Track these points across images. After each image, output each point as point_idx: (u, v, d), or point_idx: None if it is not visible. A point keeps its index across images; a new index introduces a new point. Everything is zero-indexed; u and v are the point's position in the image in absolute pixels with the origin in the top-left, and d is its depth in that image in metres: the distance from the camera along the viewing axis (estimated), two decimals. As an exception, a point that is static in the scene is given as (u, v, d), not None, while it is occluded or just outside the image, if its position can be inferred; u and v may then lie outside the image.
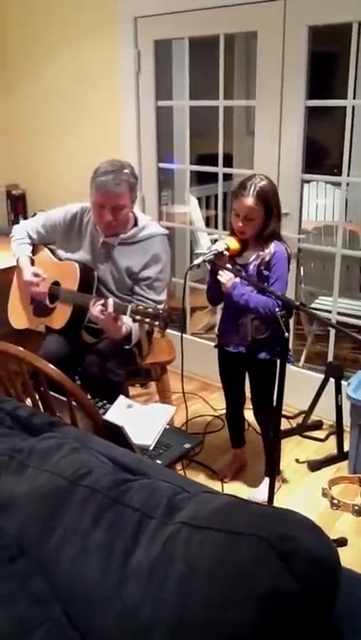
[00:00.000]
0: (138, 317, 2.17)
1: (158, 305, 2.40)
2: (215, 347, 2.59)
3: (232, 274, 2.32)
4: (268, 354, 2.41)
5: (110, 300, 2.28)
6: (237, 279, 2.33)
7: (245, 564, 0.94)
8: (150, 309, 2.15)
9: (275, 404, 2.09)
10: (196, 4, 3.06)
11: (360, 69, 2.84)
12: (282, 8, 2.81)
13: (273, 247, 2.32)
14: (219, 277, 2.35)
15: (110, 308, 2.25)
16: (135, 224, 2.57)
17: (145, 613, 0.99)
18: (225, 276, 2.33)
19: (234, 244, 2.33)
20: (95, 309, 2.29)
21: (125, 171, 2.40)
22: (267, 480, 2.47)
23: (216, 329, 2.62)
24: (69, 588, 1.11)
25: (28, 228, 2.75)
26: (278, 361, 2.33)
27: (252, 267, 2.35)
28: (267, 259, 2.31)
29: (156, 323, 2.13)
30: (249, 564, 0.94)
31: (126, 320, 2.31)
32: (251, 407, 2.64)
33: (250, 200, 2.24)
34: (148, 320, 2.14)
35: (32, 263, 2.71)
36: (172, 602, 0.97)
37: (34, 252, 2.76)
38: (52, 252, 2.72)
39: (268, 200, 2.27)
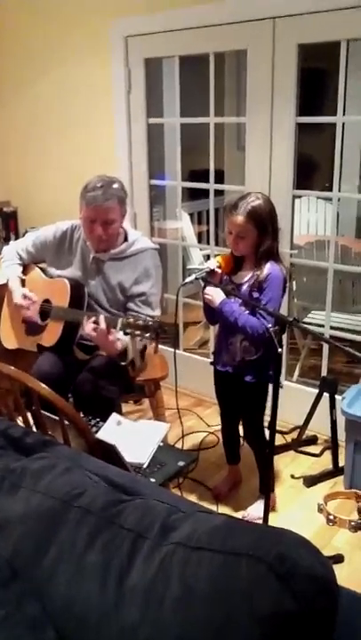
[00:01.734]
0: (129, 330, 2.16)
1: (155, 320, 2.40)
2: (211, 364, 2.58)
3: (220, 291, 2.32)
4: (254, 377, 2.39)
5: (102, 316, 2.27)
6: (225, 297, 2.32)
7: (244, 585, 0.93)
8: (140, 321, 2.14)
9: (268, 421, 2.07)
10: (186, 24, 3.10)
11: (349, 86, 2.86)
12: (271, 27, 2.84)
13: (267, 268, 2.29)
14: (205, 295, 2.34)
15: (102, 324, 2.24)
16: (125, 239, 2.58)
17: (143, 635, 0.98)
18: (212, 293, 2.32)
19: (226, 261, 2.33)
20: (88, 327, 2.28)
21: (115, 185, 2.41)
22: (262, 497, 2.45)
23: (210, 345, 2.62)
24: (65, 610, 1.09)
25: (18, 249, 2.75)
26: (272, 379, 2.34)
27: (245, 287, 2.34)
28: (260, 280, 2.29)
29: (147, 334, 2.12)
30: (247, 585, 0.93)
31: (120, 335, 2.30)
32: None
33: (240, 218, 2.24)
34: (138, 332, 2.13)
35: (23, 283, 2.70)
36: (170, 624, 0.96)
37: (24, 271, 2.75)
38: (43, 270, 2.72)
39: (261, 219, 2.25)
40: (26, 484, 1.33)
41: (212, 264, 2.30)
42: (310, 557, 0.97)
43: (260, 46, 2.91)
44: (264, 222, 2.26)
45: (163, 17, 3.16)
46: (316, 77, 3.75)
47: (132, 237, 2.58)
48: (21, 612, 1.08)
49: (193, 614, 0.94)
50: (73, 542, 1.15)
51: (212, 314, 2.43)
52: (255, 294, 2.29)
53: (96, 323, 2.26)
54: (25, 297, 2.60)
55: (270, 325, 2.02)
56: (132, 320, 2.16)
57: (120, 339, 2.33)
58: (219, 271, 2.31)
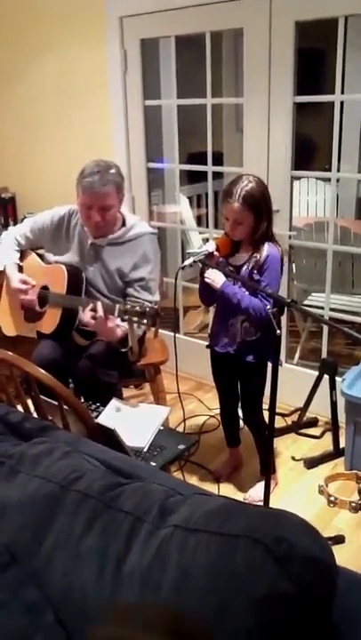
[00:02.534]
0: (126, 317, 2.15)
1: (155, 305, 2.39)
2: (207, 347, 2.57)
3: (220, 273, 2.31)
4: (254, 357, 2.39)
5: (99, 303, 2.26)
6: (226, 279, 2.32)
7: (241, 568, 0.93)
8: (138, 307, 2.13)
9: (268, 403, 2.07)
10: (182, 2, 3.05)
11: (348, 64, 2.82)
12: (268, 4, 2.80)
13: (266, 250, 2.29)
14: (206, 278, 2.33)
15: (100, 311, 2.23)
16: (123, 224, 2.56)
17: (141, 620, 0.98)
18: (212, 276, 2.32)
19: (225, 243, 2.32)
20: (86, 316, 2.27)
21: (112, 171, 2.39)
22: (262, 479, 2.46)
23: (209, 329, 2.61)
24: (63, 594, 1.10)
25: (16, 235, 2.73)
26: (270, 362, 2.34)
27: (244, 269, 2.33)
28: (260, 262, 2.29)
29: (145, 320, 2.11)
30: (245, 568, 0.93)
31: (119, 321, 2.29)
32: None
33: (236, 205, 2.22)
34: (136, 318, 2.13)
35: (20, 269, 2.69)
36: (170, 605, 0.96)
37: (22, 257, 2.74)
38: (41, 256, 2.71)
39: (256, 203, 2.24)
40: (24, 468, 1.33)
41: (210, 247, 2.29)
42: (309, 540, 0.97)
43: (256, 24, 2.87)
44: (259, 205, 2.25)
45: (158, -4, 3.11)
46: (314, 56, 3.71)
47: (129, 222, 2.57)
48: (20, 597, 1.09)
49: (190, 598, 0.94)
50: (71, 526, 1.15)
51: (208, 295, 2.43)
52: (256, 276, 2.29)
53: (94, 310, 2.25)
54: (23, 282, 2.59)
55: (269, 307, 2.01)
56: (129, 306, 2.15)
57: (120, 325, 2.32)
58: (217, 254, 2.30)
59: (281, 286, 2.45)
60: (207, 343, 2.60)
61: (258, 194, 2.24)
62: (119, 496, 1.18)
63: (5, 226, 4.07)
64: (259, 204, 2.24)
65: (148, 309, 2.11)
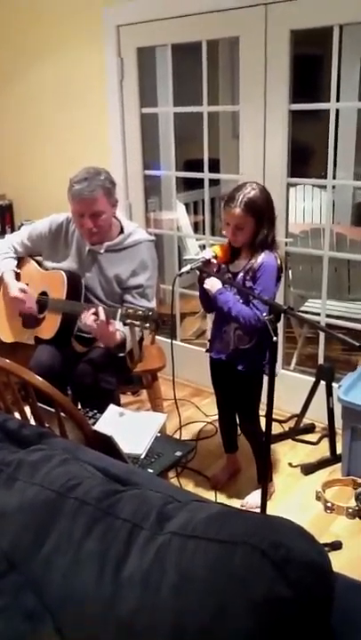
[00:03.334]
0: (128, 321, 2.16)
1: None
2: (206, 351, 2.59)
3: (218, 280, 2.32)
4: (245, 366, 2.39)
5: (101, 307, 2.27)
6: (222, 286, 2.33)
7: (239, 572, 0.94)
8: (140, 312, 2.14)
9: (265, 409, 2.08)
10: (178, 11, 3.07)
11: (343, 72, 2.85)
12: (263, 13, 2.82)
13: (261, 258, 2.29)
14: (205, 285, 2.34)
15: (102, 315, 2.24)
16: (121, 231, 2.57)
17: (141, 623, 0.99)
18: (210, 283, 2.33)
19: (222, 250, 2.33)
20: (88, 319, 2.28)
21: (100, 177, 2.40)
22: (260, 486, 2.46)
23: (207, 334, 2.64)
24: (62, 599, 1.10)
25: (13, 242, 2.74)
26: (266, 368, 2.35)
27: (240, 275, 2.34)
28: (254, 269, 2.29)
29: (147, 325, 2.12)
30: (243, 572, 0.93)
31: (118, 326, 2.30)
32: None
33: (237, 210, 2.23)
34: (138, 323, 2.14)
35: (18, 276, 2.69)
36: (167, 611, 0.97)
37: (19, 265, 2.74)
38: (39, 263, 2.71)
39: (258, 210, 2.24)
40: (22, 476, 1.33)
41: (208, 254, 2.30)
42: (305, 545, 0.98)
43: (252, 33, 2.89)
44: (261, 212, 2.26)
45: (154, 5, 3.14)
46: (309, 63, 3.73)
47: (127, 229, 2.58)
48: (19, 604, 1.09)
49: (189, 602, 0.95)
50: (70, 533, 1.16)
51: (208, 302, 2.44)
52: (248, 283, 2.30)
53: (95, 314, 2.26)
54: (22, 290, 2.59)
55: (265, 314, 2.02)
56: (131, 311, 2.17)
57: (119, 329, 2.33)
58: (214, 261, 2.31)
59: (278, 293, 2.46)
60: (205, 349, 2.61)
61: (260, 201, 2.25)
62: (117, 503, 1.19)
63: (2, 233, 4.08)
64: (260, 210, 2.25)
65: (150, 314, 2.12)
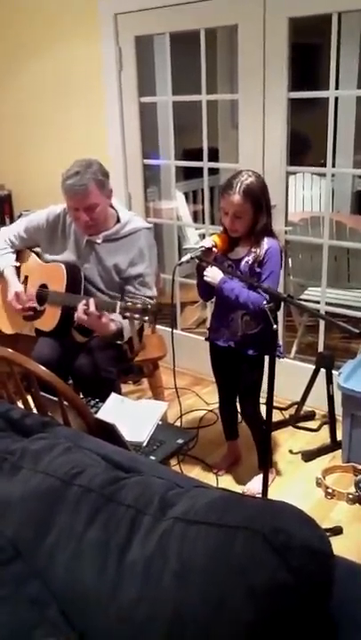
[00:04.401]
0: (127, 314, 2.18)
1: (153, 300, 2.41)
2: (206, 339, 2.59)
3: (219, 270, 2.33)
4: (255, 350, 2.41)
5: (91, 300, 2.28)
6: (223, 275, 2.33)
7: (240, 559, 0.95)
8: (139, 304, 2.16)
9: (266, 396, 2.09)
10: (176, 0, 3.06)
11: (342, 60, 2.84)
12: (262, 1, 2.81)
13: (266, 243, 2.30)
14: (205, 277, 2.35)
15: (92, 307, 2.26)
16: (118, 220, 2.57)
17: (143, 610, 1.00)
18: (211, 273, 2.34)
19: (222, 239, 2.33)
20: (79, 312, 2.29)
21: (91, 169, 2.38)
22: (260, 473, 2.48)
23: (207, 323, 2.64)
24: (66, 587, 1.12)
25: (10, 235, 2.73)
26: (267, 356, 2.36)
27: (243, 263, 2.34)
28: (261, 256, 2.30)
29: (146, 318, 2.14)
30: (244, 558, 0.95)
31: (114, 316, 2.31)
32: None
33: (236, 198, 2.23)
34: (137, 316, 2.15)
35: (18, 270, 2.70)
36: (169, 598, 0.98)
37: (19, 258, 2.75)
38: (38, 255, 2.72)
39: (256, 196, 2.25)
40: (26, 464, 1.35)
41: (208, 242, 2.30)
42: (306, 530, 0.99)
43: (250, 21, 2.88)
44: (259, 200, 2.26)
45: (152, -7, 3.12)
46: (308, 51, 3.72)
47: (124, 218, 2.58)
48: (23, 590, 1.11)
49: (190, 589, 0.96)
50: (73, 520, 1.17)
51: (207, 291, 2.44)
52: (257, 269, 2.31)
53: (86, 305, 2.27)
54: (17, 296, 2.59)
55: (265, 303, 2.03)
56: (130, 304, 2.18)
57: (114, 320, 2.35)
58: (214, 250, 2.32)
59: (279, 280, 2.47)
60: (205, 337, 2.61)
61: (257, 188, 2.26)
62: (120, 490, 1.20)
63: (1, 223, 4.08)
64: (258, 197, 2.26)
65: (149, 306, 2.13)
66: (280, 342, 2.33)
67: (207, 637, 0.93)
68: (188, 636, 0.94)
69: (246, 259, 2.34)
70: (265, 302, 2.04)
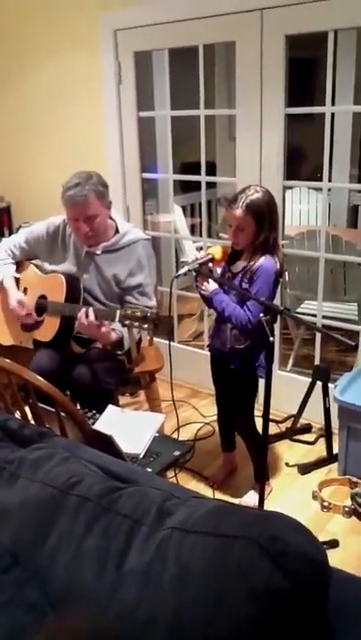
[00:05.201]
0: (127, 322, 2.19)
1: (153, 310, 2.43)
2: (206, 346, 2.62)
3: (213, 282, 2.35)
4: (238, 365, 2.43)
5: (90, 309, 2.30)
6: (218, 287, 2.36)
7: (237, 565, 0.96)
8: (139, 312, 2.17)
9: (263, 409, 2.10)
10: (175, 16, 3.10)
11: (338, 76, 2.88)
12: (259, 18, 2.86)
13: (260, 261, 2.31)
14: (198, 288, 2.38)
15: (92, 316, 2.27)
16: (117, 231, 2.60)
17: (142, 614, 1.01)
18: (205, 285, 2.36)
19: (219, 253, 2.36)
20: (81, 319, 2.31)
21: (91, 180, 2.42)
22: (257, 486, 2.49)
23: (205, 335, 2.66)
24: (65, 593, 1.13)
25: (10, 245, 2.75)
26: (259, 370, 2.39)
27: (238, 277, 2.37)
28: (252, 271, 2.31)
29: (145, 325, 2.15)
30: (241, 565, 0.96)
31: (116, 325, 2.33)
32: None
33: (238, 211, 2.26)
34: (137, 323, 2.17)
35: (17, 281, 2.72)
36: (168, 602, 0.99)
37: (18, 269, 2.76)
38: (37, 266, 2.74)
39: (259, 212, 2.26)
40: (24, 473, 1.35)
41: (204, 255, 2.33)
42: (301, 538, 1.00)
43: (248, 38, 2.92)
44: (262, 215, 2.28)
45: (151, 10, 3.17)
46: (304, 68, 3.77)
47: (123, 229, 2.61)
48: (22, 597, 1.11)
49: (189, 593, 0.97)
50: (71, 529, 1.18)
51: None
52: (245, 285, 2.32)
53: (86, 314, 2.29)
54: (19, 303, 2.62)
55: (262, 315, 2.05)
56: (129, 312, 2.19)
57: (115, 329, 2.36)
58: (210, 265, 2.34)
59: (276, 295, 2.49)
60: (203, 352, 2.64)
61: (262, 203, 2.27)
62: (117, 500, 1.21)
63: (1, 235, 4.10)
64: (262, 213, 2.27)
65: (149, 314, 2.15)
66: (263, 362, 2.32)
67: (207, 638, 0.94)
68: (187, 637, 0.95)
69: (241, 273, 2.36)
70: (261, 315, 2.05)
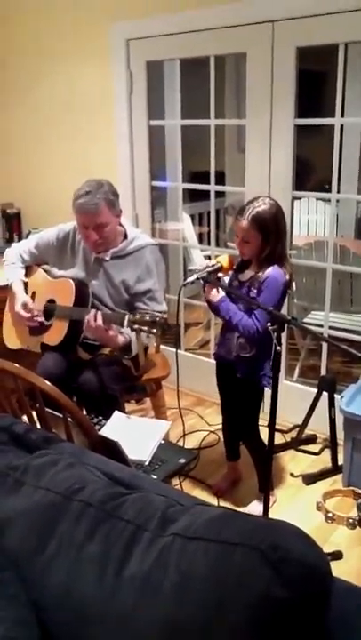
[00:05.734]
0: (136, 326, 2.20)
1: (163, 315, 2.43)
2: (213, 354, 2.62)
3: (222, 290, 2.36)
4: (244, 374, 2.43)
5: (99, 313, 2.32)
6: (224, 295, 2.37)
7: (237, 572, 0.96)
8: (147, 317, 2.18)
9: (268, 419, 2.11)
10: (187, 27, 3.13)
11: (347, 88, 2.90)
12: (270, 30, 2.88)
13: (268, 272, 2.32)
14: (206, 296, 2.38)
15: (99, 320, 2.29)
16: (125, 237, 2.61)
17: (140, 620, 1.01)
18: (213, 293, 2.37)
19: (227, 261, 2.37)
20: (90, 322, 2.33)
21: (102, 189, 2.44)
22: (260, 496, 2.48)
23: (211, 344, 2.67)
24: (63, 599, 1.13)
25: (21, 250, 2.78)
26: (265, 379, 2.39)
27: (245, 286, 2.38)
28: (260, 281, 2.32)
29: (154, 330, 2.15)
30: (240, 572, 0.96)
31: (125, 330, 2.34)
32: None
33: (244, 223, 2.26)
34: (145, 328, 2.17)
35: (26, 285, 2.74)
36: (168, 605, 0.99)
37: (27, 273, 2.78)
38: (46, 271, 2.75)
39: (265, 224, 2.26)
40: (29, 479, 1.36)
41: (213, 264, 2.34)
42: (304, 546, 1.00)
43: (259, 49, 2.95)
44: (268, 227, 2.28)
45: (163, 20, 3.20)
46: (314, 80, 3.79)
47: (131, 235, 2.62)
48: (12, 609, 1.11)
49: (188, 600, 0.97)
50: (73, 534, 1.18)
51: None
52: (252, 294, 2.33)
53: (94, 317, 2.31)
54: (25, 307, 2.63)
55: (268, 324, 2.05)
56: (138, 317, 2.20)
57: (123, 332, 2.37)
58: (220, 274, 2.36)
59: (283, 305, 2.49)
60: (209, 360, 2.64)
61: (269, 216, 2.27)
62: (121, 505, 1.21)
63: (10, 241, 4.13)
64: (267, 226, 2.27)
65: (157, 319, 2.15)
66: (268, 372, 2.33)
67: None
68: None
69: (249, 282, 2.37)
70: (268, 324, 2.06)
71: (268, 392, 2.24)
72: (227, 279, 2.50)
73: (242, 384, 2.45)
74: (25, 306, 2.63)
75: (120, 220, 2.60)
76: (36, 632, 1.09)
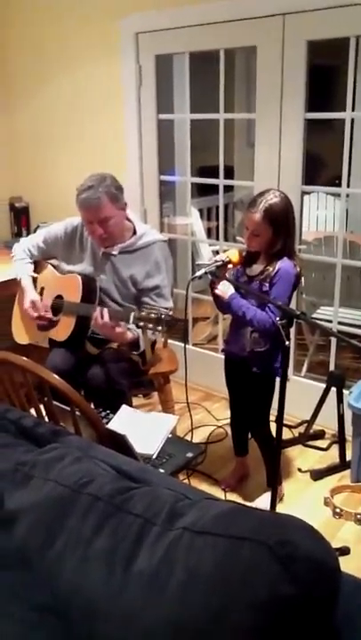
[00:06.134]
0: (141, 323, 2.20)
1: (170, 311, 2.43)
2: (221, 351, 2.61)
3: (230, 285, 2.35)
4: (260, 368, 2.42)
5: (105, 310, 2.32)
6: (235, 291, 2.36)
7: (245, 569, 0.95)
8: (153, 314, 2.18)
9: (277, 414, 2.10)
10: (196, 20, 3.11)
11: (358, 82, 2.88)
12: (281, 24, 2.86)
13: (278, 264, 2.32)
14: (216, 291, 2.37)
15: (106, 317, 2.29)
16: (134, 232, 2.61)
17: (147, 618, 1.01)
18: (222, 287, 2.36)
19: (235, 256, 2.36)
20: (96, 318, 2.33)
21: (104, 183, 2.43)
22: (269, 490, 2.48)
23: (218, 339, 2.66)
24: (72, 594, 1.13)
25: (29, 245, 2.79)
26: (279, 371, 2.37)
27: (256, 280, 2.37)
28: (271, 275, 2.32)
29: (159, 328, 2.15)
30: (248, 569, 0.95)
31: (131, 326, 2.34)
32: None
33: (256, 216, 2.26)
34: (150, 325, 2.17)
35: (34, 281, 2.74)
36: (173, 607, 0.99)
37: (36, 269, 2.79)
38: (55, 266, 2.76)
39: (276, 218, 2.26)
40: (37, 473, 1.36)
41: (222, 258, 2.33)
42: (312, 542, 0.99)
43: (269, 43, 2.93)
44: (279, 221, 2.28)
45: (173, 13, 3.18)
46: (325, 73, 3.76)
47: (140, 231, 2.62)
48: (29, 597, 1.11)
49: (195, 598, 0.97)
50: (81, 528, 1.18)
51: (222, 305, 2.47)
52: (265, 288, 2.32)
53: (101, 314, 2.31)
54: (33, 304, 2.63)
55: (278, 319, 2.05)
56: (144, 313, 2.20)
57: (130, 328, 2.37)
58: (230, 266, 2.34)
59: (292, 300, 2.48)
60: (217, 355, 2.63)
61: (280, 209, 2.27)
62: (129, 499, 1.21)
63: (19, 235, 4.14)
64: (279, 219, 2.27)
65: (163, 316, 2.15)
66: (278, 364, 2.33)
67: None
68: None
69: (259, 277, 2.36)
70: (278, 319, 2.05)
71: (277, 386, 2.23)
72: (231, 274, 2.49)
73: (256, 378, 2.45)
74: (33, 304, 2.63)
75: (126, 214, 2.59)
76: (55, 619, 1.09)
